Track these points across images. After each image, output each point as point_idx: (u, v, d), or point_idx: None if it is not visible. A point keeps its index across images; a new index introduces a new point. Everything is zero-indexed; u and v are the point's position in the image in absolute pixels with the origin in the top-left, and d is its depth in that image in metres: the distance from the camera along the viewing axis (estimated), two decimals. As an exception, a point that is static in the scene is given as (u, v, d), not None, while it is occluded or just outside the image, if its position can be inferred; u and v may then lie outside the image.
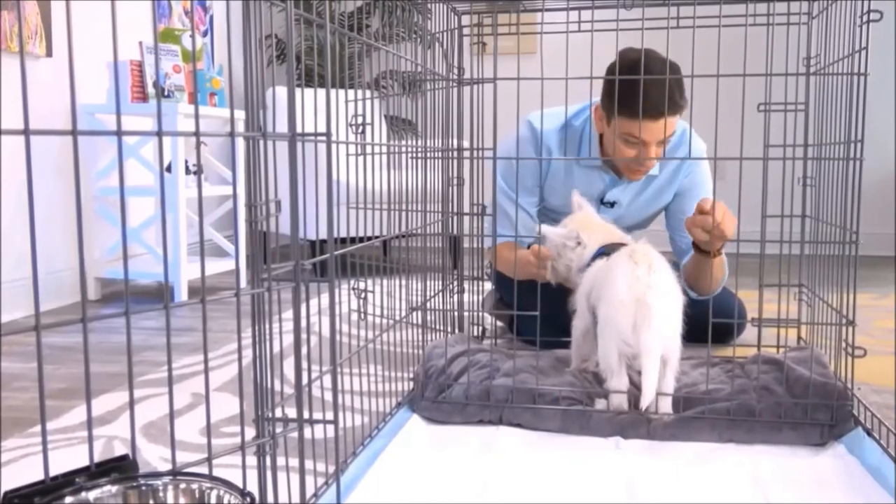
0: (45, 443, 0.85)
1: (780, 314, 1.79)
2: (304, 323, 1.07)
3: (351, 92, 3.10)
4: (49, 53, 3.07)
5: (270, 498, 1.06)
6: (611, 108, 2.03)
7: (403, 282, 2.00)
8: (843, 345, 1.63)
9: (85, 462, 0.92)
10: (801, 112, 1.71)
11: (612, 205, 2.36)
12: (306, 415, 1.08)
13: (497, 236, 2.13)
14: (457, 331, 2.25)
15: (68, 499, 0.87)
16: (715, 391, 1.72)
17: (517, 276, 2.14)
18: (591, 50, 1.71)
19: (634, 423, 1.65)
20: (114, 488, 0.90)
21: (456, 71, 2.14)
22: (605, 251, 1.85)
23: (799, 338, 2.10)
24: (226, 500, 0.93)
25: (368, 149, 1.80)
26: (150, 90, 3.30)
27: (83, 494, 0.88)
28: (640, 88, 1.79)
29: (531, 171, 2.30)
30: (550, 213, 2.40)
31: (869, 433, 1.57)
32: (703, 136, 2.37)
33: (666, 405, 1.67)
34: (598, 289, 1.73)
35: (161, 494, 0.92)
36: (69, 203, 3.23)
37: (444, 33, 2.12)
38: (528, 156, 2.27)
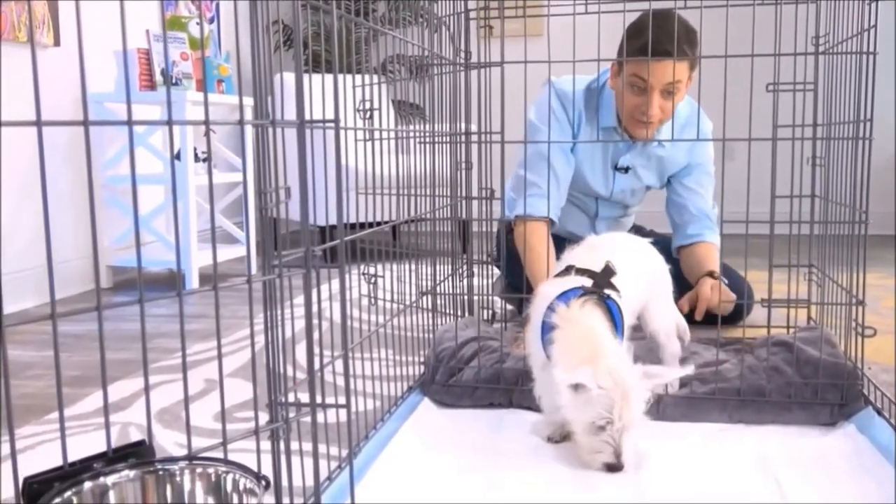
0: (62, 429, 0.87)
1: (789, 294, 1.79)
2: (315, 308, 1.07)
3: (358, 77, 3.10)
4: (57, 43, 3.07)
5: (284, 481, 1.07)
6: (622, 52, 2.08)
7: (413, 266, 2.00)
8: (853, 324, 1.63)
9: (101, 448, 0.94)
10: (809, 92, 1.70)
11: (626, 170, 2.36)
12: (319, 399, 1.09)
13: (519, 216, 2.18)
14: (467, 315, 2.26)
15: (87, 484, 0.88)
16: (725, 371, 1.73)
17: (525, 266, 2.14)
18: (597, 31, 1.70)
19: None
20: (131, 473, 0.91)
21: (463, 55, 2.14)
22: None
23: (809, 318, 2.10)
24: (241, 484, 0.94)
25: (377, 134, 1.80)
26: (158, 78, 3.30)
27: (101, 480, 0.89)
28: (648, 29, 1.82)
29: (560, 135, 2.28)
30: (575, 192, 2.41)
31: (879, 412, 1.57)
32: (712, 116, 2.36)
33: None
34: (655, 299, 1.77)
35: (178, 479, 0.94)
36: (77, 192, 3.24)
37: (451, 17, 2.12)
38: (558, 118, 2.27)
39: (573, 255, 1.69)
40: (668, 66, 1.99)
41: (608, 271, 1.61)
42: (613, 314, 1.52)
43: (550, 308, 1.50)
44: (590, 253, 1.68)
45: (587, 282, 1.56)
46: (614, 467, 1.38)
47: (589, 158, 2.35)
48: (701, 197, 2.39)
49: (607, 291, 1.55)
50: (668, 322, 1.78)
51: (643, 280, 1.71)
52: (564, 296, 1.51)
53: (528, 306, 1.63)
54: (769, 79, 1.64)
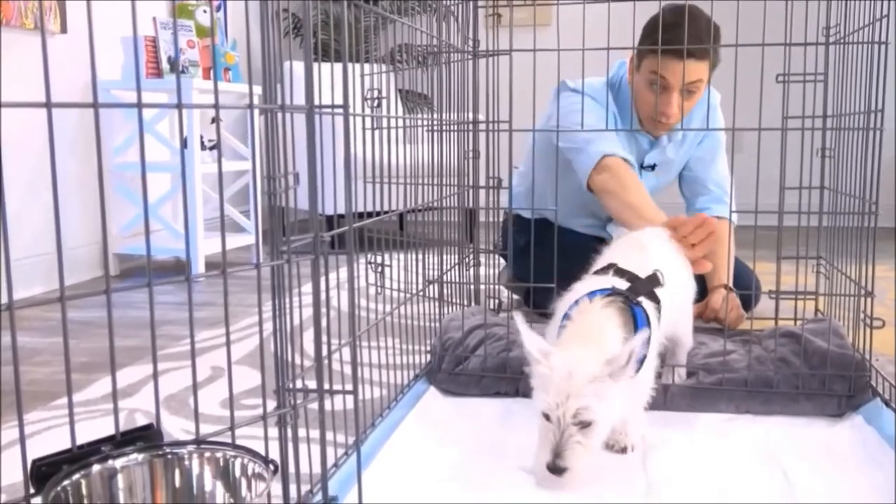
0: (71, 412, 0.87)
1: (797, 286, 1.78)
2: (322, 296, 1.07)
3: (366, 66, 3.10)
4: (64, 30, 3.07)
5: (291, 468, 1.07)
6: (642, 49, 2.05)
7: (420, 255, 2.00)
8: (862, 316, 1.63)
9: (108, 433, 0.94)
10: (820, 83, 1.69)
11: (652, 168, 2.34)
12: (326, 386, 1.09)
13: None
14: (473, 304, 2.26)
15: (95, 467, 0.88)
16: (732, 362, 1.73)
17: (626, 215, 2.04)
18: (607, 21, 1.69)
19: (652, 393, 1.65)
20: (140, 456, 0.91)
21: (471, 43, 2.13)
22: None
23: (816, 310, 2.09)
24: (250, 469, 0.94)
25: (384, 122, 1.80)
26: (165, 66, 3.30)
27: (110, 462, 0.89)
28: (670, 28, 1.79)
29: (602, 117, 2.17)
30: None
31: (887, 404, 1.57)
32: (722, 106, 2.35)
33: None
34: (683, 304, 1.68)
35: (186, 463, 0.94)
36: (84, 180, 3.24)
37: (459, 5, 2.11)
38: (597, 115, 2.15)
39: (617, 253, 1.57)
40: (689, 66, 1.97)
41: (654, 280, 1.47)
42: (638, 323, 1.38)
43: (577, 303, 1.40)
44: (635, 252, 1.56)
45: (624, 284, 1.45)
46: (551, 468, 1.23)
47: None
48: (711, 166, 2.35)
49: (640, 299, 1.42)
50: (689, 323, 1.72)
51: (681, 290, 1.61)
52: (593, 294, 1.40)
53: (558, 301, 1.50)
54: (779, 69, 1.63)
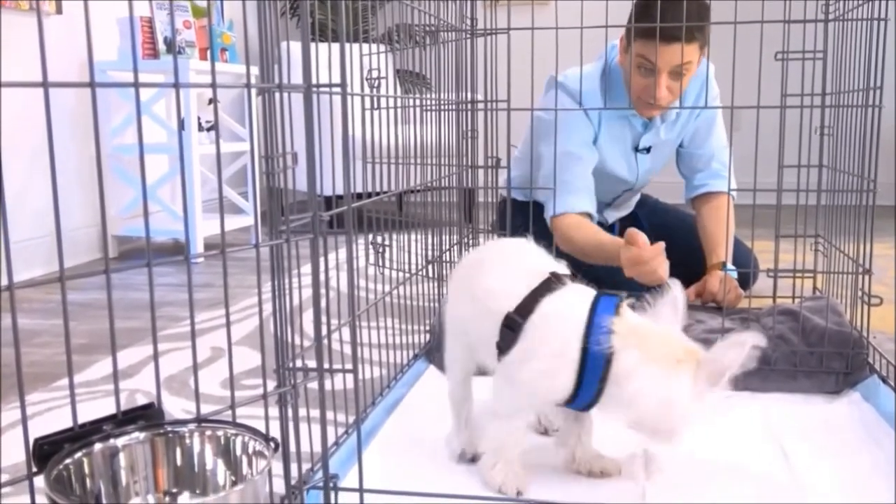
0: (72, 391, 0.87)
1: (796, 264, 1.79)
2: (321, 277, 1.07)
3: (364, 47, 3.09)
4: (59, 11, 3.05)
5: (292, 446, 1.08)
6: (630, 32, 2.04)
7: (419, 236, 2.00)
8: (860, 293, 1.63)
9: (109, 413, 0.94)
10: (819, 60, 1.69)
11: (647, 150, 2.32)
12: (326, 365, 1.09)
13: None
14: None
15: (97, 445, 0.89)
16: (730, 340, 1.73)
17: (590, 259, 2.08)
18: (606, -2, 1.69)
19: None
20: (141, 435, 0.92)
21: (469, 22, 2.12)
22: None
23: (815, 288, 2.10)
24: (251, 446, 0.94)
25: (383, 102, 1.79)
26: (161, 46, 3.28)
27: (111, 441, 0.90)
28: (657, 10, 1.77)
29: (583, 131, 2.21)
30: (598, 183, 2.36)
31: (885, 380, 1.58)
32: (720, 84, 2.34)
33: None
34: None
35: (187, 441, 0.94)
36: (82, 162, 3.23)
37: (457, -16, 2.10)
38: (576, 120, 2.18)
39: (521, 262, 1.28)
40: (676, 49, 1.94)
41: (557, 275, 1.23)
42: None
43: (599, 329, 1.10)
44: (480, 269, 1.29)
45: (588, 288, 1.20)
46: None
47: (612, 146, 2.29)
48: (707, 140, 2.34)
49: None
50: None
51: None
52: (603, 309, 1.13)
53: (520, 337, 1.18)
54: (778, 47, 1.62)
